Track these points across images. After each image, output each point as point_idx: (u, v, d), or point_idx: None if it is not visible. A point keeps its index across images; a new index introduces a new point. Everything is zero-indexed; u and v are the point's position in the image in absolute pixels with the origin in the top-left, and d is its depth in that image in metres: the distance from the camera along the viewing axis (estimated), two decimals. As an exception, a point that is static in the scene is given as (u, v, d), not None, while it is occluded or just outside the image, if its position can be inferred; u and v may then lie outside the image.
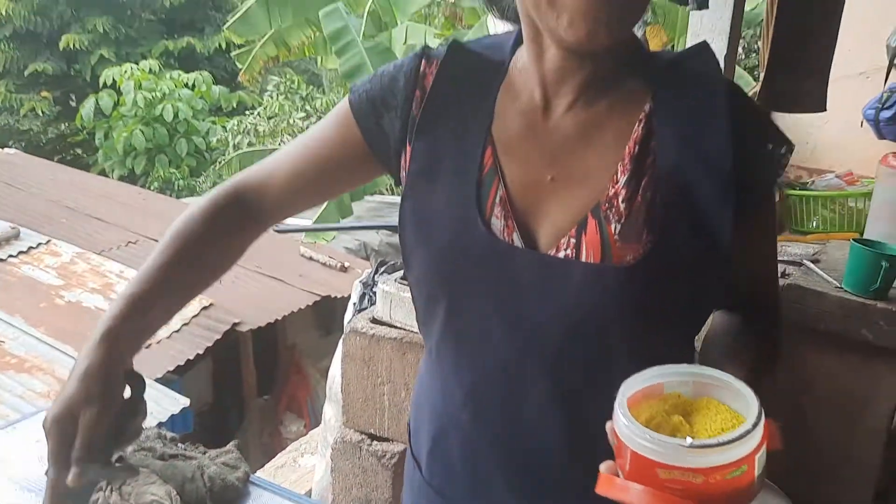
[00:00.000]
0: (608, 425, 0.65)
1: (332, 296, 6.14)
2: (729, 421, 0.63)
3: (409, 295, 1.55)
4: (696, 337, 0.93)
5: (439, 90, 0.87)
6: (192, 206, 0.95)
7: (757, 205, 0.86)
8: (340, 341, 1.69)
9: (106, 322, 0.83)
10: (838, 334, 1.64)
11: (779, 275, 1.73)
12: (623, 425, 0.62)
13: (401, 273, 1.61)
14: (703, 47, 0.85)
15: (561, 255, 0.80)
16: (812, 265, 1.78)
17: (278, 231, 6.54)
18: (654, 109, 0.82)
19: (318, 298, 6.02)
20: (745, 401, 0.64)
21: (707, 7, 2.33)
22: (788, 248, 1.96)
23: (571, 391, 0.83)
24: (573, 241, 0.80)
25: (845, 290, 1.65)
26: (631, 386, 0.66)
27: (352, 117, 0.92)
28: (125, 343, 0.84)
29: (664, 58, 0.87)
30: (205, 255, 0.94)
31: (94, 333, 0.82)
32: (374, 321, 1.60)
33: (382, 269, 1.81)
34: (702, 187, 0.78)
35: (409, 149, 0.88)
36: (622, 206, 0.79)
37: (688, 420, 0.65)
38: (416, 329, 1.56)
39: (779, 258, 1.84)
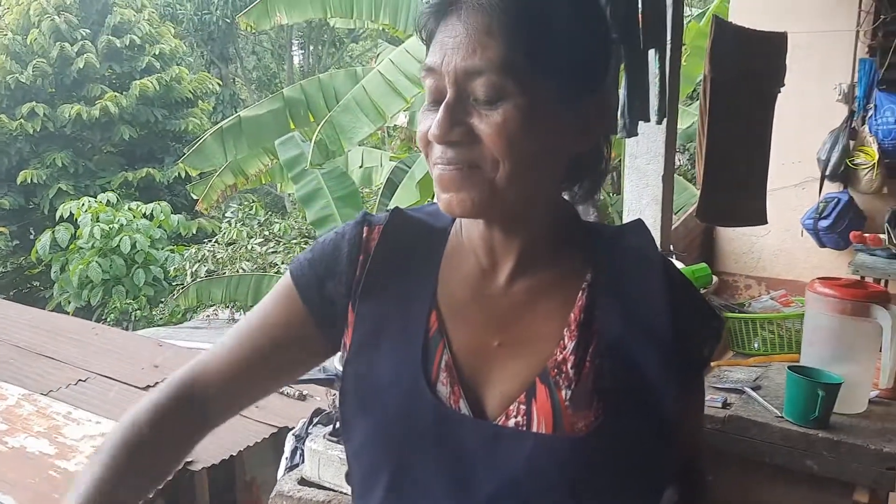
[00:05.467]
0: None
1: (290, 426, 5.95)
2: None
3: (337, 453, 1.49)
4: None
5: (382, 255, 0.87)
6: (136, 411, 0.89)
7: (695, 374, 0.89)
8: None
9: None
10: (784, 467, 1.60)
11: (719, 406, 1.71)
12: None
13: (331, 428, 1.55)
14: (639, 224, 0.89)
15: (511, 423, 0.78)
16: (753, 393, 1.76)
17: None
18: (595, 281, 0.83)
19: (275, 430, 5.83)
20: None
21: (636, 134, 2.40)
22: (730, 373, 1.94)
23: None
24: (523, 407, 0.78)
25: (786, 420, 1.62)
26: None
27: (294, 290, 0.90)
28: None
29: (602, 232, 0.89)
30: (152, 464, 0.88)
31: None
32: (303, 482, 1.52)
33: (317, 419, 1.75)
34: (645, 358, 0.79)
35: (351, 314, 0.86)
36: (571, 371, 0.79)
37: None
38: (346, 490, 1.49)
39: (720, 385, 1.83)
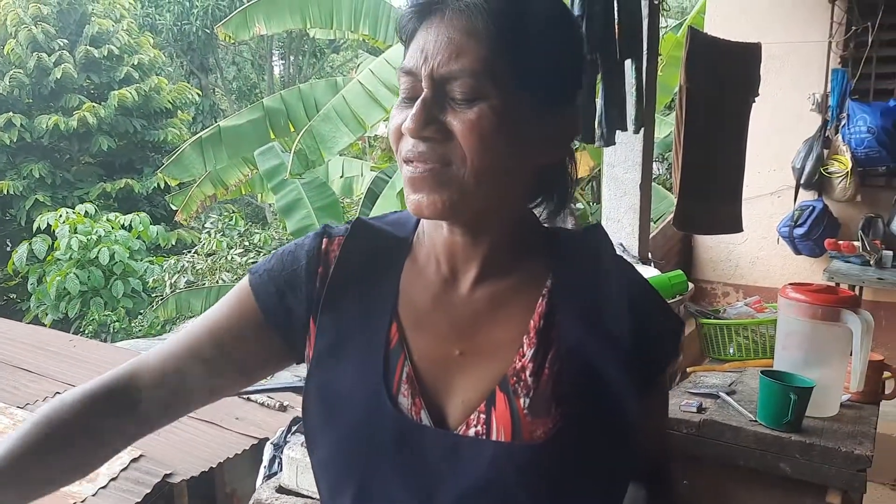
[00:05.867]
0: None
1: (271, 438, 5.91)
2: None
3: (315, 460, 1.49)
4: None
5: (344, 266, 0.87)
6: (67, 393, 0.87)
7: (655, 378, 0.89)
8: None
9: None
10: (758, 470, 1.62)
11: (694, 410, 1.73)
12: None
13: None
14: (597, 228, 0.90)
15: (471, 432, 0.79)
16: (727, 397, 1.78)
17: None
18: (555, 287, 0.83)
19: (255, 442, 5.79)
20: None
21: (614, 143, 2.43)
22: (706, 378, 1.96)
23: None
24: (483, 416, 0.79)
25: (760, 424, 1.64)
26: None
27: (251, 296, 0.89)
28: None
29: (561, 237, 0.89)
30: (73, 447, 0.86)
31: None
32: (281, 490, 1.52)
33: (295, 427, 1.75)
34: (605, 362, 0.80)
35: (313, 326, 0.86)
36: (530, 379, 0.79)
37: None
38: (323, 496, 1.49)
39: (696, 391, 1.85)
